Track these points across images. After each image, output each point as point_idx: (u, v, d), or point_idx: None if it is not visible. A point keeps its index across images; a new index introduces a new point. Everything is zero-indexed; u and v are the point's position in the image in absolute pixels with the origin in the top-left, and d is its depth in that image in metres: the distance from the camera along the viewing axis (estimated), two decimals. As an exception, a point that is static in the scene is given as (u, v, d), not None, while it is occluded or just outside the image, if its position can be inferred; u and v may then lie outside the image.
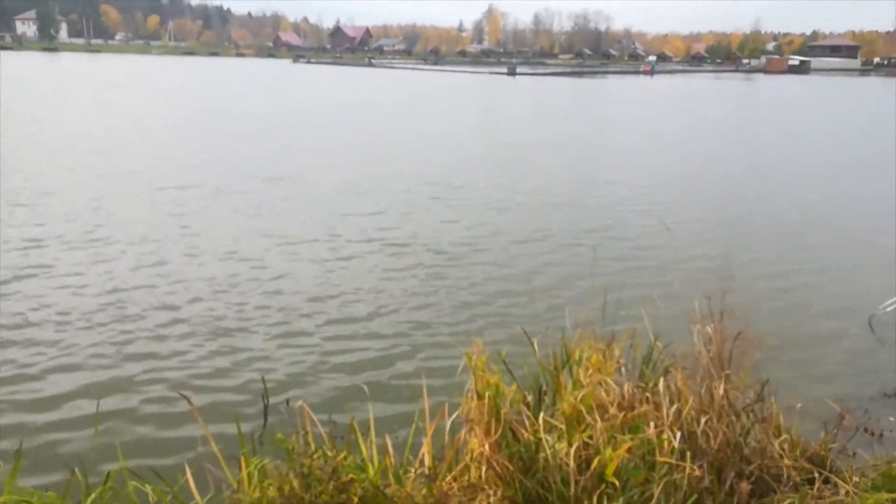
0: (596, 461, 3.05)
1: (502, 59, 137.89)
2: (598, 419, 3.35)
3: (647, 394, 3.71)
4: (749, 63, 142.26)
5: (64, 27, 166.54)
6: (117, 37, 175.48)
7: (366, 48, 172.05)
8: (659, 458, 3.15)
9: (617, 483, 2.92)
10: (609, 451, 3.00)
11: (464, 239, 11.95)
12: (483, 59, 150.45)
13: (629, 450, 3.20)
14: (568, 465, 3.08)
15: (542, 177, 18.73)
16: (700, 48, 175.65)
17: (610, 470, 2.90)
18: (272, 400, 5.96)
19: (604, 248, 11.43)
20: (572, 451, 3.04)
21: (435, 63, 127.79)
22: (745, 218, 14.17)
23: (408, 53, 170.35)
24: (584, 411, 3.25)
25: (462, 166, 20.14)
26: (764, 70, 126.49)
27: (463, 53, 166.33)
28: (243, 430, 4.21)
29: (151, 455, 5.27)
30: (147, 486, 3.34)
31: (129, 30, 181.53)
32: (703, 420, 3.41)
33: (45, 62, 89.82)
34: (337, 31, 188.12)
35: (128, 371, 6.80)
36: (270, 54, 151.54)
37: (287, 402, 5.47)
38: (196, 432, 5.19)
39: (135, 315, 8.22)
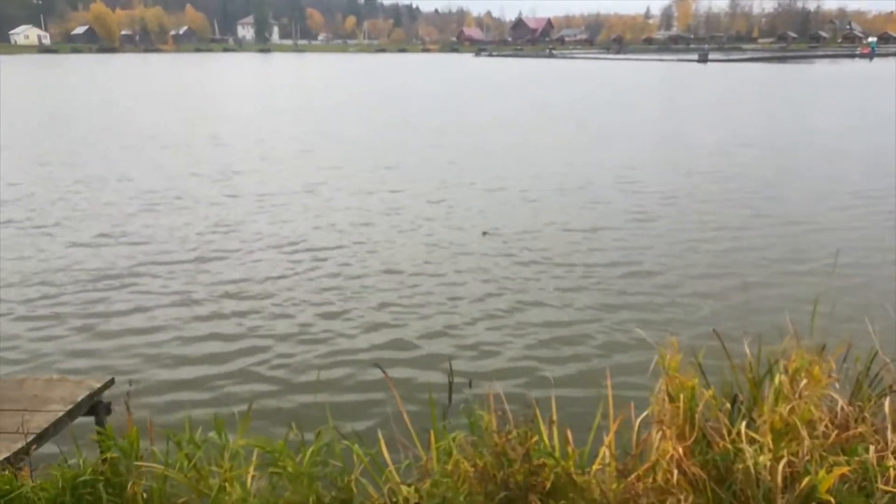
0: (805, 481, 2.84)
1: (692, 46, 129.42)
2: (807, 436, 3.10)
3: (865, 414, 3.36)
4: None
5: (276, 30, 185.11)
6: (319, 37, 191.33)
7: (547, 39, 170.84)
8: (879, 486, 2.85)
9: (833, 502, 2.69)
10: (822, 472, 2.77)
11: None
12: (671, 45, 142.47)
13: (841, 472, 2.93)
14: (771, 480, 2.89)
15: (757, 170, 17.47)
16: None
17: (823, 488, 2.68)
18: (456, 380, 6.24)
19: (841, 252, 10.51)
20: (779, 466, 2.85)
21: (618, 52, 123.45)
22: None
23: (590, 43, 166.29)
24: (794, 425, 3.02)
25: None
26: None
27: (649, 41, 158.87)
28: (427, 404, 4.47)
29: (353, 417, 5.80)
30: (353, 446, 3.66)
31: (330, 30, 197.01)
32: (935, 450, 3.01)
33: (272, 61, 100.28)
34: (518, 24, 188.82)
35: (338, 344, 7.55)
36: (453, 49, 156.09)
37: (469, 383, 5.72)
38: (390, 400, 5.58)
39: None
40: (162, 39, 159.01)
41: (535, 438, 2.87)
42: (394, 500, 3.60)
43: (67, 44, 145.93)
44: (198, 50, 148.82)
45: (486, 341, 7.58)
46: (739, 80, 56.45)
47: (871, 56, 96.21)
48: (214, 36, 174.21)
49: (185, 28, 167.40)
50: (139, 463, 3.49)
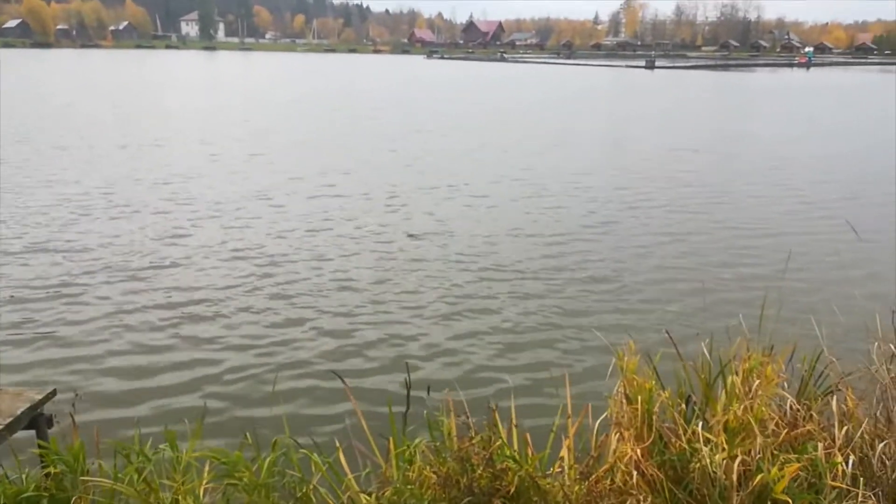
0: (758, 478, 2.92)
1: (638, 52, 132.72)
2: (759, 434, 3.19)
3: (813, 412, 3.48)
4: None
5: (221, 27, 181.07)
6: (267, 35, 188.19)
7: (498, 43, 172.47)
8: (828, 483, 2.95)
9: (789, 501, 2.77)
10: (775, 470, 2.85)
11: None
12: (618, 52, 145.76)
13: (793, 470, 3.03)
14: (726, 478, 2.97)
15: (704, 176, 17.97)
16: (866, 38, 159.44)
17: (779, 488, 2.76)
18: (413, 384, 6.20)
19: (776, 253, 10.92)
20: (735, 465, 2.92)
21: (568, 56, 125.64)
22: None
23: (540, 47, 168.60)
24: (747, 424, 3.11)
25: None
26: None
27: (597, 46, 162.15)
28: (384, 412, 4.43)
29: (309, 427, 5.70)
30: (311, 455, 3.59)
31: (278, 29, 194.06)
32: (879, 445, 3.15)
33: (216, 60, 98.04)
34: (470, 27, 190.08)
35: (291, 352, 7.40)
36: (405, 50, 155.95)
37: (428, 389, 5.69)
38: (346, 409, 5.51)
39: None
40: (100, 35, 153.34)
41: (498, 443, 2.86)
42: (354, 508, 3.55)
43: None
44: (139, 46, 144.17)
45: (444, 348, 7.57)
46: (685, 87, 58.18)
47: (808, 65, 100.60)
48: (156, 32, 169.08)
49: (125, 23, 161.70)
50: (85, 478, 3.34)
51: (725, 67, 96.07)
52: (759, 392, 3.26)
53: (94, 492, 3.32)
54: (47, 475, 3.28)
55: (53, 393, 4.91)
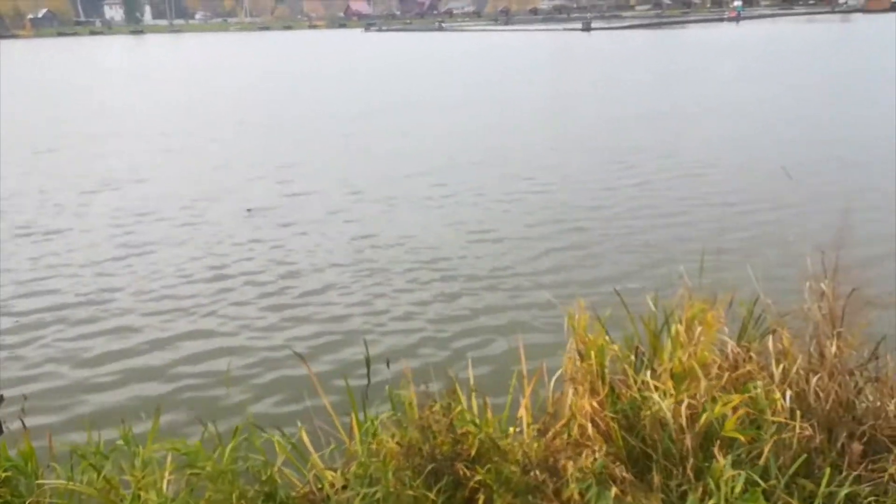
0: (703, 419, 3.07)
1: (573, 15, 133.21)
2: (703, 378, 3.35)
3: (752, 353, 3.66)
4: (846, 2, 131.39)
5: (147, 9, 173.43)
6: (197, 16, 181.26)
7: (435, 12, 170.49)
8: (768, 418, 3.13)
9: (737, 437, 2.93)
10: (718, 407, 3.01)
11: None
12: (555, 15, 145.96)
13: (736, 408, 3.20)
14: (674, 422, 3.11)
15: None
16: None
17: (729, 426, 2.91)
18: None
19: (710, 199, 11.29)
20: (682, 408, 3.07)
21: (506, 23, 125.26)
22: (870, 167, 13.48)
23: (477, 15, 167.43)
24: (692, 369, 3.26)
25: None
26: (863, 9, 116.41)
27: (534, 11, 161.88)
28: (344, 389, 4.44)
29: (269, 411, 5.69)
30: (273, 438, 3.60)
31: (208, 8, 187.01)
32: (813, 379, 3.34)
33: (144, 44, 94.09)
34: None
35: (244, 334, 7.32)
36: (341, 24, 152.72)
37: (387, 363, 5.73)
38: (306, 389, 5.50)
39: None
40: (18, 24, 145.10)
41: (458, 409, 2.93)
42: (319, 486, 3.59)
43: None
44: (60, 34, 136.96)
45: (399, 320, 7.62)
46: (623, 48, 58.67)
47: (738, 19, 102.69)
48: (79, 18, 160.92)
49: (44, 11, 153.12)
50: (41, 481, 3.28)
51: (659, 25, 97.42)
52: (702, 338, 3.41)
53: (49, 494, 3.27)
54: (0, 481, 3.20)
55: (0, 398, 4.76)
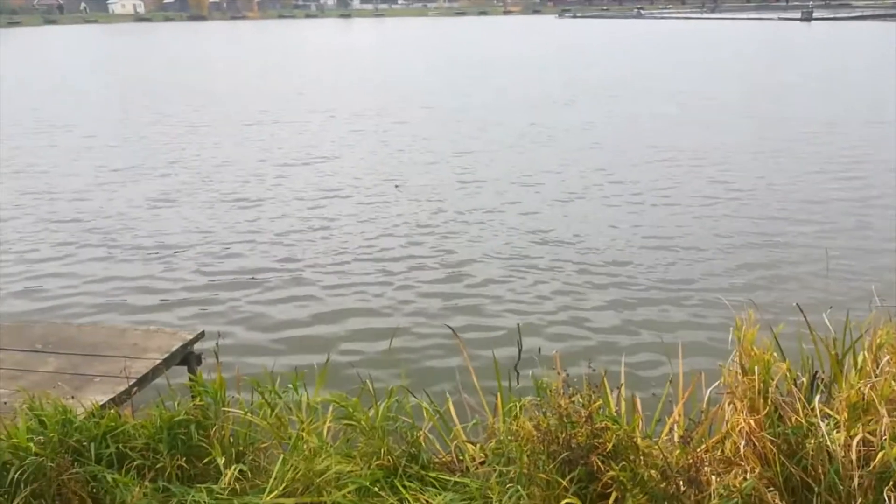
0: (879, 456, 2.75)
1: (793, 2, 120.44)
2: (886, 414, 2.99)
3: (955, 394, 3.19)
4: None
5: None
6: (399, 1, 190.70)
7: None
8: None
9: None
10: (897, 448, 2.68)
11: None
12: (771, 2, 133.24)
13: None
14: (844, 455, 2.82)
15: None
16: None
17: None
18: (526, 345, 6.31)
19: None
20: (853, 442, 2.77)
21: (713, 10, 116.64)
22: None
23: (682, 1, 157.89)
24: (873, 402, 2.92)
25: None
26: None
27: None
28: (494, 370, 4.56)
29: (422, 380, 6.00)
30: (423, 404, 3.81)
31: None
32: None
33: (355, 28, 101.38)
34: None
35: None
36: (535, 10, 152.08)
37: (539, 349, 5.78)
38: (458, 365, 5.72)
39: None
40: (247, 7, 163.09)
41: (599, 402, 2.90)
42: (460, 457, 3.75)
43: (160, 13, 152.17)
44: (281, 16, 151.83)
45: (554, 311, 7.58)
46: (852, 44, 51.49)
47: None
48: (297, 2, 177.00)
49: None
50: (226, 409, 3.77)
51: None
52: (889, 368, 3.04)
53: (233, 421, 3.75)
54: (195, 405, 3.73)
55: (202, 334, 5.53)
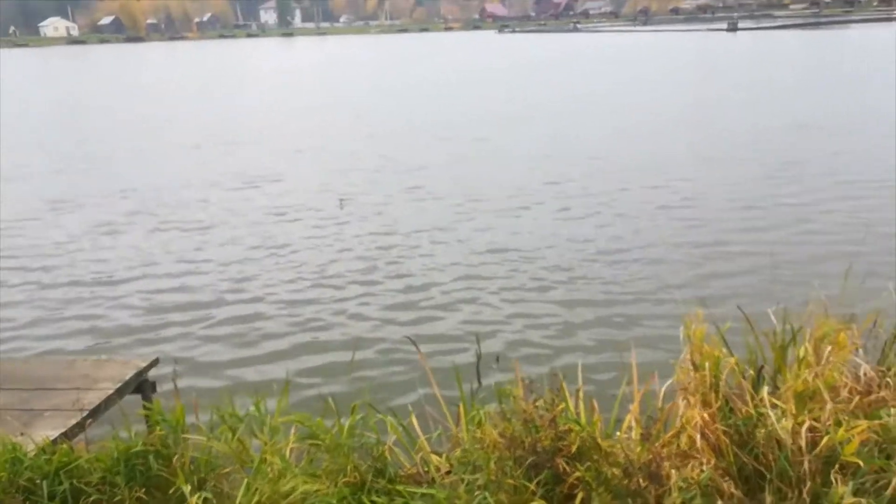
0: (824, 441, 2.91)
1: (718, 14, 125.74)
2: (829, 400, 3.16)
3: (889, 379, 3.41)
4: None
5: (298, 13, 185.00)
6: (341, 19, 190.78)
7: (571, 13, 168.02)
8: (900, 448, 2.91)
9: (859, 464, 2.76)
10: (841, 431, 2.84)
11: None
12: (698, 15, 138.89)
13: (863, 434, 3.00)
14: (793, 443, 2.97)
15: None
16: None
17: (848, 450, 2.75)
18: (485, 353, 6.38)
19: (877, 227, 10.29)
20: (802, 429, 2.92)
21: (644, 23, 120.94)
22: None
23: (615, 15, 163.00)
24: (816, 390, 3.09)
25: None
26: None
27: (675, 11, 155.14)
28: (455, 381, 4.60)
29: (384, 395, 6.00)
30: (386, 419, 3.82)
31: (352, 11, 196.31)
32: (959, 412, 3.06)
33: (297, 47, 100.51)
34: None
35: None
36: (476, 26, 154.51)
37: (497, 358, 5.86)
38: (419, 377, 5.73)
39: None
40: (186, 27, 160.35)
41: (562, 406, 2.98)
42: (426, 468, 3.77)
43: (95, 34, 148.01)
44: (221, 36, 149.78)
45: (511, 319, 7.70)
46: (772, 51, 54.36)
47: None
48: (238, 22, 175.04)
49: (208, 15, 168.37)
50: (186, 435, 3.69)
51: (816, 25, 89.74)
52: (832, 358, 3.22)
53: (192, 448, 3.67)
54: (153, 434, 3.64)
55: (156, 361, 5.39)
